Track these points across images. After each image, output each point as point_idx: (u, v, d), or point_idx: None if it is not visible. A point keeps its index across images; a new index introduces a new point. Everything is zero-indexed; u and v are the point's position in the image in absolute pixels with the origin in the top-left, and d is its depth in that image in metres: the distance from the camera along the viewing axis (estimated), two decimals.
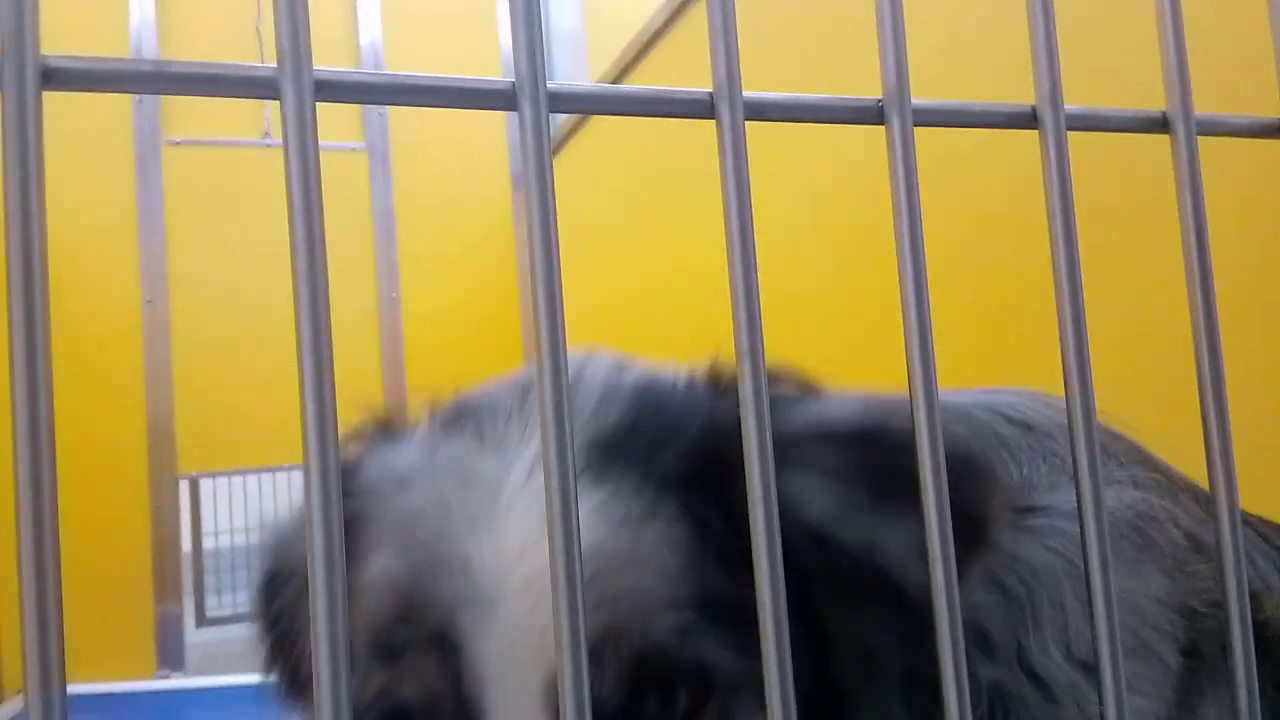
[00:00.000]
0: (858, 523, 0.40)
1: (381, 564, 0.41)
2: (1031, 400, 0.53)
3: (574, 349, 0.48)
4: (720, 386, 0.45)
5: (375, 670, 0.40)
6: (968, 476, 0.40)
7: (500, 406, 0.44)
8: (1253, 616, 0.32)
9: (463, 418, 0.45)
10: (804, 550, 0.39)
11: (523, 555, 0.38)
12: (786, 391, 0.44)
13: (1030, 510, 0.47)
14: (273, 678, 0.51)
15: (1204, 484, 0.34)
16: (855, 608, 0.40)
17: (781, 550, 0.38)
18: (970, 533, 0.39)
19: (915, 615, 0.38)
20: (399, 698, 0.39)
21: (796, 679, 0.40)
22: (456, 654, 0.38)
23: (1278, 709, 0.44)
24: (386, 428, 0.49)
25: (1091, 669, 0.44)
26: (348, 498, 0.44)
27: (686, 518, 0.40)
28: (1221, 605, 0.47)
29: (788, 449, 0.40)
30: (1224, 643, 0.47)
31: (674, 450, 0.41)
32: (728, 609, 0.38)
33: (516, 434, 0.42)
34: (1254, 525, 0.52)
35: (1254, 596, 0.35)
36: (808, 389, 0.45)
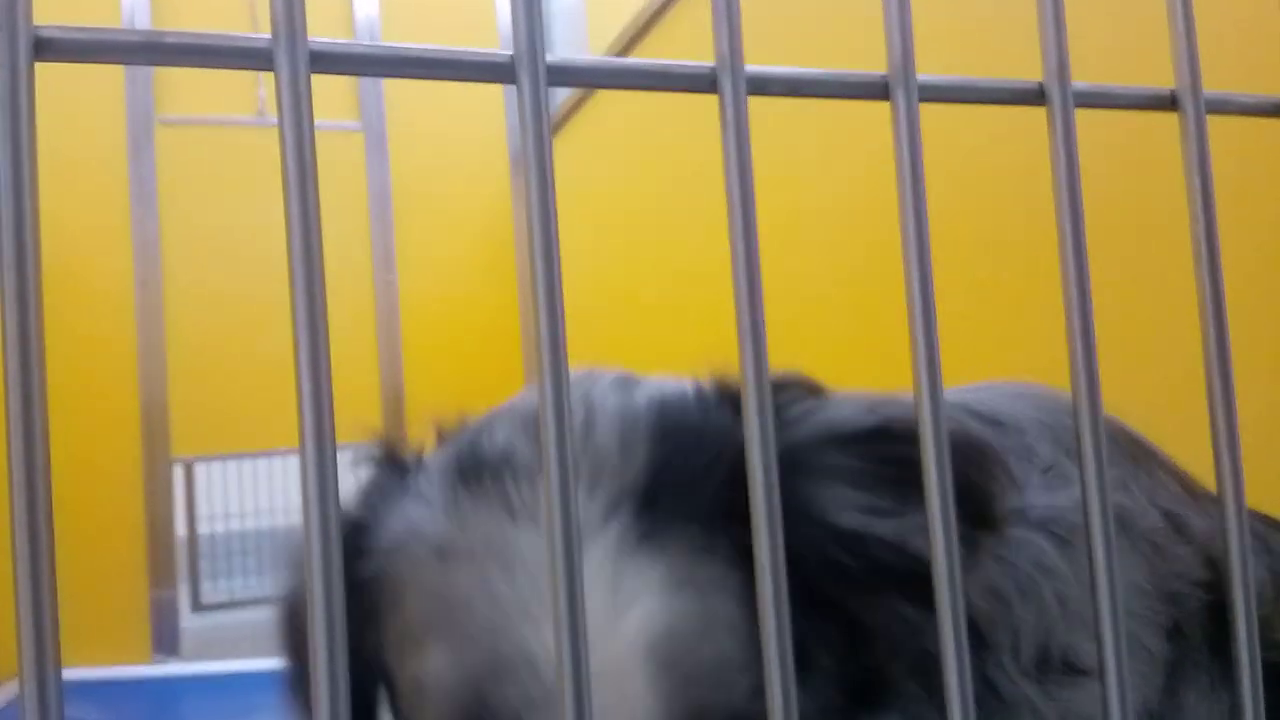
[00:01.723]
0: (888, 517, 0.40)
1: (438, 662, 0.39)
2: (1004, 395, 0.53)
3: (574, 370, 0.47)
4: (734, 400, 0.44)
5: None
6: (972, 458, 0.41)
7: (519, 461, 0.42)
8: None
9: (482, 473, 0.42)
10: (841, 553, 0.39)
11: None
12: (794, 397, 0.44)
13: None
14: (295, 698, 0.49)
15: (1208, 475, 0.34)
16: (899, 597, 0.40)
17: (828, 556, 0.39)
18: (979, 513, 0.40)
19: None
20: None
21: (840, 676, 0.40)
22: None
23: (1272, 708, 0.44)
24: (395, 463, 0.47)
25: (1045, 671, 0.44)
26: (366, 555, 0.43)
27: (736, 560, 0.39)
28: (1201, 584, 0.48)
29: (803, 457, 0.40)
30: (1204, 622, 0.47)
31: (711, 488, 0.40)
32: (796, 652, 0.37)
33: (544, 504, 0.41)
34: (1253, 527, 0.53)
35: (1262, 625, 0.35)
36: (814, 393, 0.45)
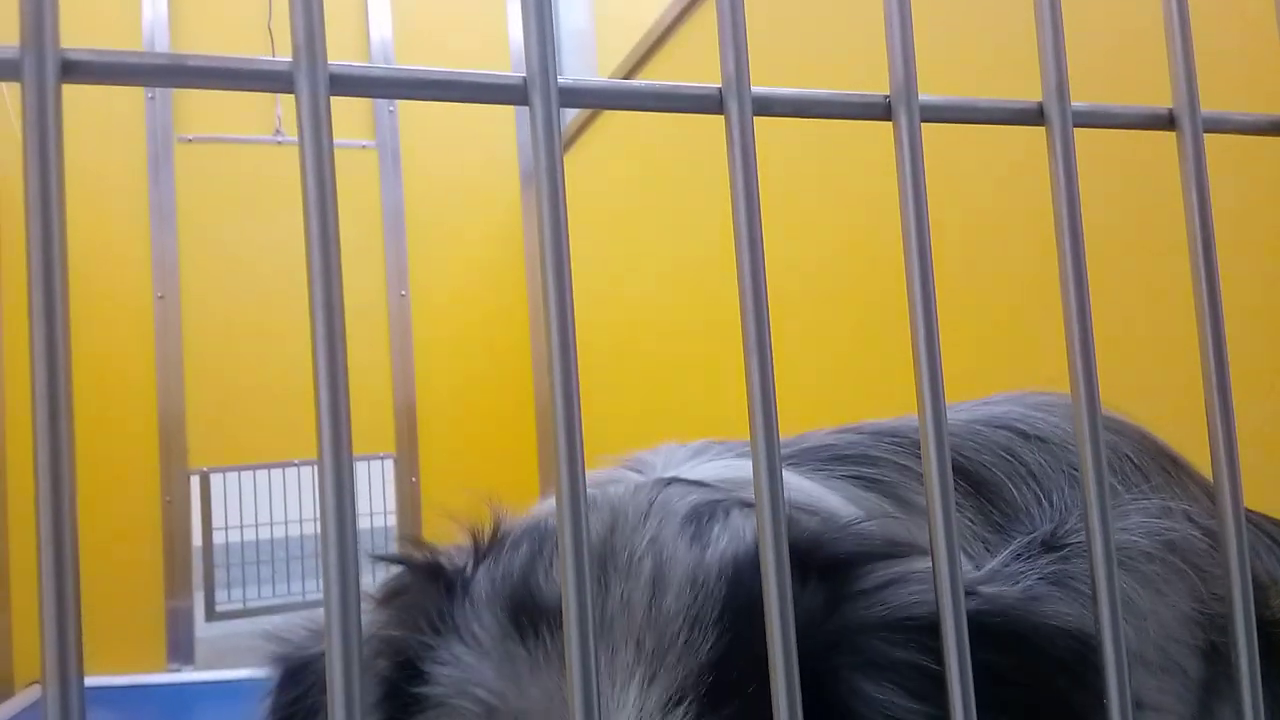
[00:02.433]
0: None
1: None
2: (1037, 408, 0.52)
3: (639, 480, 0.44)
4: (804, 564, 0.39)
5: None
6: (1081, 671, 0.36)
7: None
8: (1257, 612, 0.32)
9: (537, 620, 0.39)
10: None
11: None
12: (873, 557, 0.39)
13: (1057, 550, 0.44)
14: None
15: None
16: None
17: None
18: None
19: None
20: None
21: None
22: None
23: None
24: (433, 575, 0.43)
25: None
26: (416, 705, 0.40)
27: None
28: None
29: (858, 639, 0.36)
30: None
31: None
32: None
33: (605, 665, 0.38)
34: (1257, 522, 0.52)
35: (1259, 590, 0.35)
36: (889, 553, 0.40)
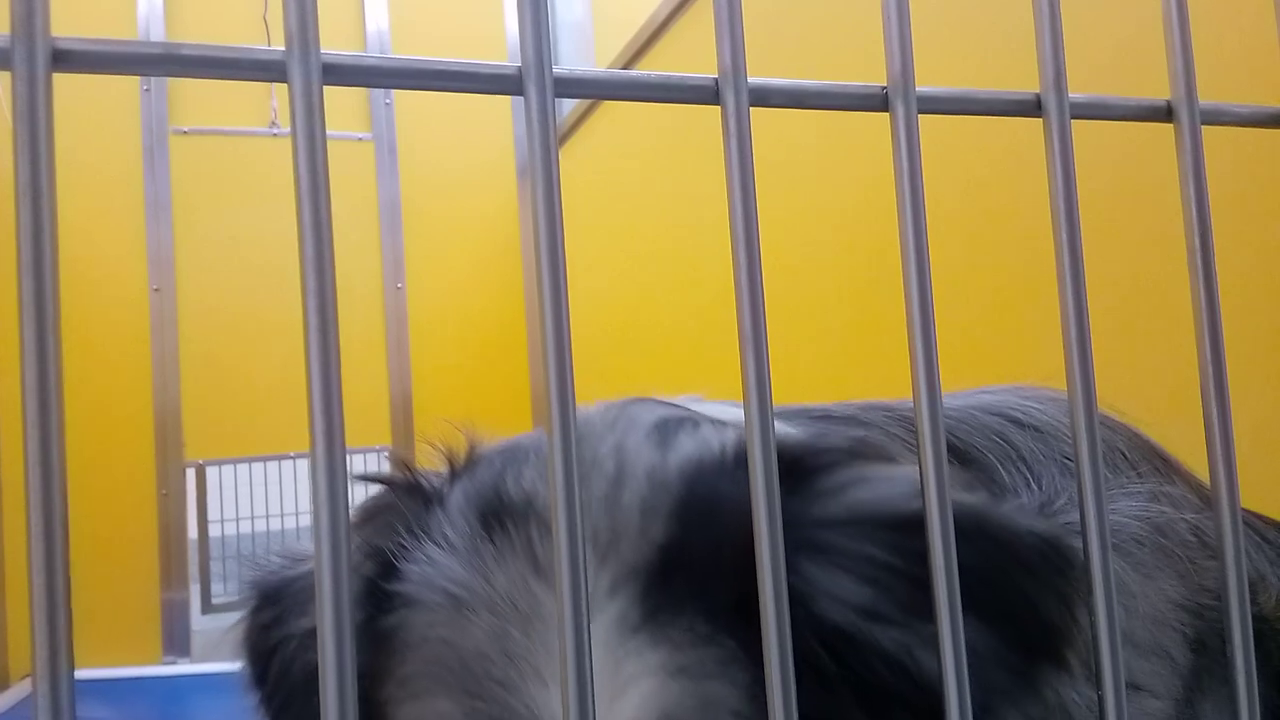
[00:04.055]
0: (894, 623, 0.36)
1: (447, 711, 0.39)
2: (1033, 399, 0.53)
3: (610, 409, 0.45)
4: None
5: None
6: (1047, 574, 0.37)
7: (542, 509, 0.41)
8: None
9: (504, 518, 0.41)
10: (830, 653, 0.36)
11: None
12: (837, 461, 0.40)
13: None
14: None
15: (1205, 477, 0.34)
16: (883, 699, 0.36)
17: (807, 654, 0.34)
18: (1042, 643, 0.36)
19: None
20: None
21: None
22: None
23: (1273, 703, 0.44)
24: (412, 489, 0.45)
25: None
26: (388, 602, 0.42)
27: (740, 652, 0.37)
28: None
29: (818, 534, 0.37)
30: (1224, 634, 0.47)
31: (724, 575, 0.38)
32: None
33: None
34: (1250, 522, 0.52)
35: (1250, 589, 0.35)
36: (868, 459, 0.41)
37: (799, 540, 0.36)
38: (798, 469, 0.39)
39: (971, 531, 0.34)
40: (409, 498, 0.45)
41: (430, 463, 0.47)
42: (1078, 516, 0.46)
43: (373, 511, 0.46)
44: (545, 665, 0.38)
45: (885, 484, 0.39)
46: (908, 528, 0.36)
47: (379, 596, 0.42)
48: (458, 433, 0.46)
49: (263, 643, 0.47)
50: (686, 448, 0.42)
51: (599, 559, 0.39)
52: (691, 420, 0.44)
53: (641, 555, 0.39)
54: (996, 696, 0.35)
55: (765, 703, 0.34)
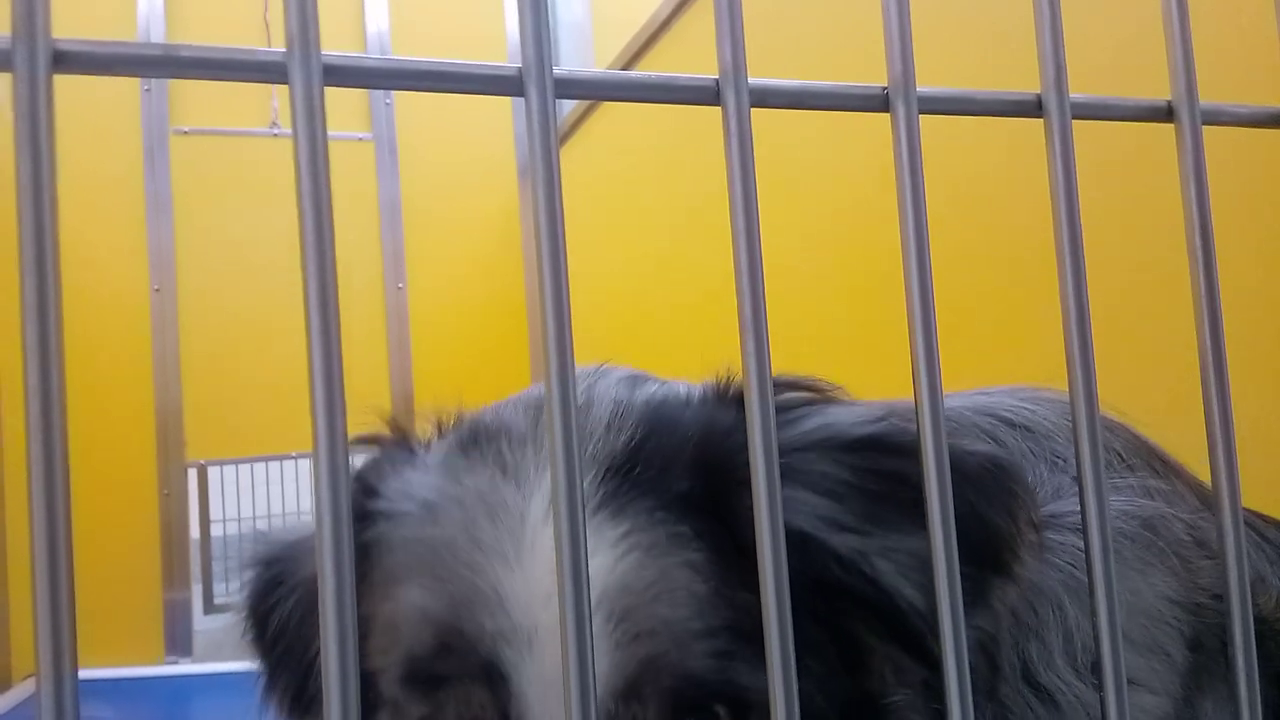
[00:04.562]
0: (850, 532, 0.39)
1: (415, 596, 0.41)
2: (1027, 400, 0.53)
3: (587, 365, 0.48)
4: (722, 394, 0.45)
5: (414, 701, 0.40)
6: (985, 486, 0.40)
7: (515, 431, 0.44)
8: None
9: (479, 440, 0.45)
10: (791, 555, 0.38)
11: (552, 592, 0.38)
12: (794, 398, 0.44)
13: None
14: (271, 694, 0.50)
15: (1204, 477, 0.34)
16: (857, 623, 0.39)
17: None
18: (987, 553, 0.38)
19: (910, 634, 0.38)
20: None
21: (828, 686, 0.39)
22: (503, 685, 0.39)
23: (1273, 703, 0.44)
24: (401, 442, 0.49)
25: (1099, 678, 0.44)
26: (368, 520, 0.44)
27: (703, 537, 0.40)
28: (1221, 597, 0.48)
29: (786, 458, 0.39)
30: (1224, 635, 0.47)
31: (682, 468, 0.41)
32: (755, 628, 0.38)
33: (533, 464, 0.42)
34: (1250, 521, 0.53)
35: (1249, 589, 0.35)
36: (818, 395, 0.44)
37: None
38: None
39: (917, 447, 0.37)
40: (396, 446, 0.48)
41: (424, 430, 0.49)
42: (1063, 508, 0.47)
43: (365, 465, 0.49)
44: (510, 550, 0.40)
45: (841, 413, 0.43)
46: (861, 449, 0.40)
47: (359, 516, 0.45)
48: (449, 405, 0.50)
49: (263, 603, 0.50)
50: (652, 389, 0.47)
51: None
52: (660, 380, 0.48)
53: (604, 451, 0.42)
54: None
55: (716, 583, 0.39)
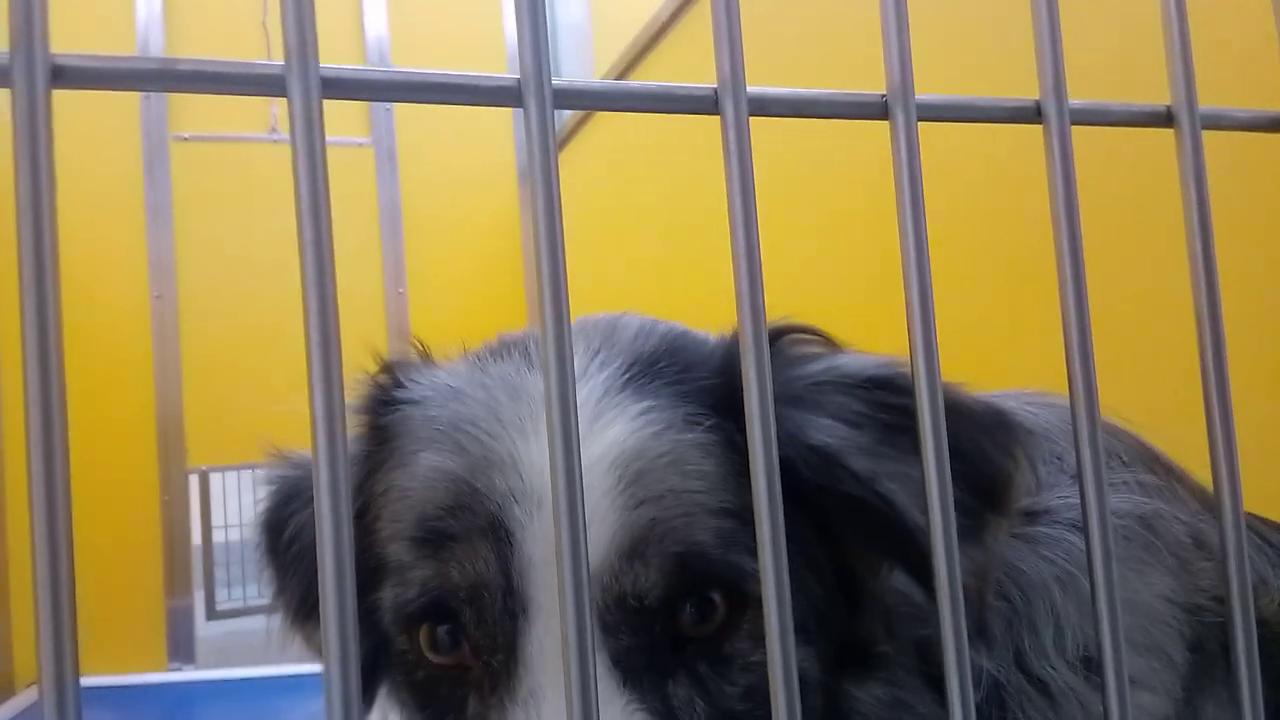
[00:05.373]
0: (865, 455, 0.41)
1: (434, 459, 0.43)
2: (1032, 405, 0.54)
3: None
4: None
5: (420, 563, 0.42)
6: (991, 429, 0.42)
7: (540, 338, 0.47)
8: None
9: (507, 346, 0.48)
10: (809, 466, 0.40)
11: None
12: (805, 343, 0.46)
13: (1029, 516, 0.47)
14: (279, 603, 0.53)
15: (1206, 481, 0.34)
16: (860, 533, 0.41)
17: (791, 466, 0.39)
18: (988, 488, 0.40)
19: (916, 553, 0.40)
20: (447, 583, 0.41)
21: (823, 618, 0.41)
22: (508, 543, 0.40)
23: (1275, 705, 0.44)
24: (427, 358, 0.53)
25: (1091, 670, 0.44)
26: (392, 406, 0.48)
27: (719, 431, 0.42)
28: (1222, 600, 0.48)
29: (801, 394, 0.42)
30: (1223, 636, 0.47)
31: (702, 372, 0.44)
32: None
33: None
34: (1251, 524, 0.52)
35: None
36: (828, 345, 0.47)
37: (788, 395, 0.41)
38: (783, 354, 0.45)
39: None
40: (423, 358, 0.52)
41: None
42: (1058, 502, 0.47)
43: (390, 362, 0.52)
44: (529, 423, 0.42)
45: (856, 358, 0.46)
46: (873, 386, 0.43)
47: (383, 402, 0.48)
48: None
49: (277, 516, 0.53)
50: (674, 327, 0.49)
51: (590, 353, 0.45)
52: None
53: (631, 351, 0.45)
54: None
55: (727, 469, 0.41)
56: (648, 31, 1.97)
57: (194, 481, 2.51)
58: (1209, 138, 0.31)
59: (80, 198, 2.40)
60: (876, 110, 0.29)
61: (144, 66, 0.25)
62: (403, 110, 2.76)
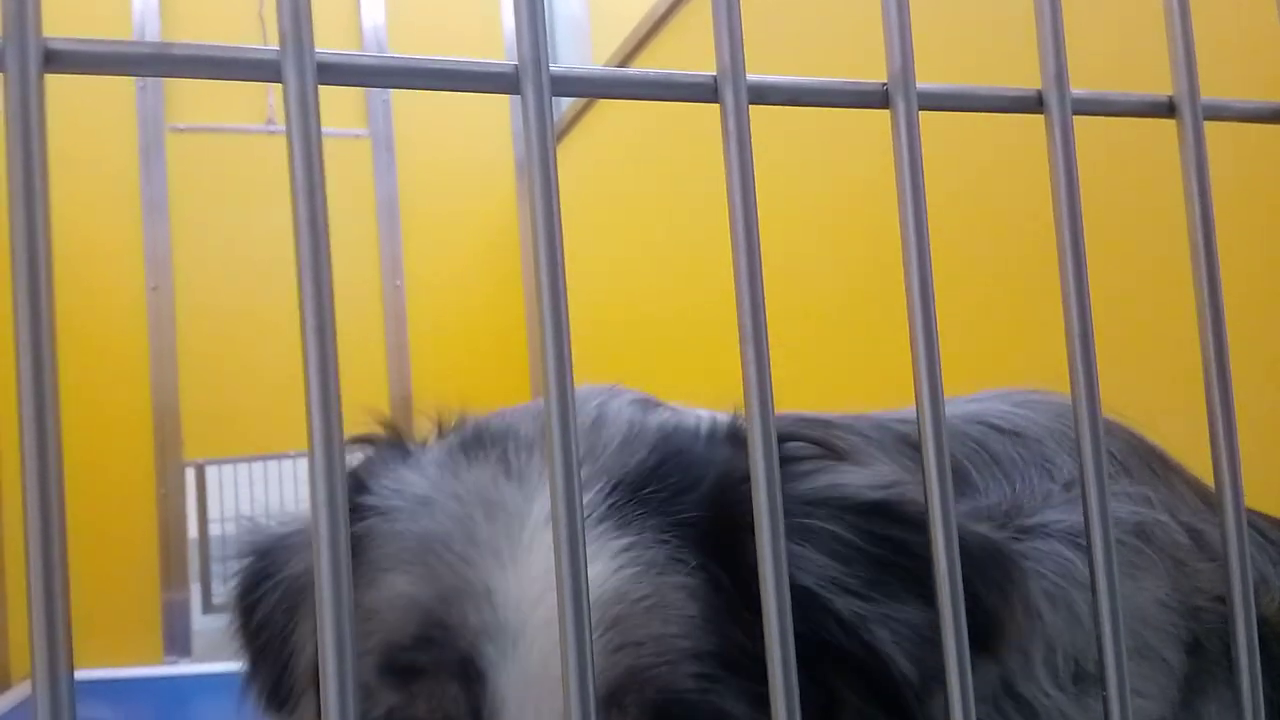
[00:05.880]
0: (853, 595, 0.39)
1: (402, 584, 0.41)
2: (1018, 405, 0.53)
3: (597, 385, 0.48)
4: (735, 433, 0.45)
5: (387, 689, 0.40)
6: (985, 568, 0.40)
7: (521, 434, 0.44)
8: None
9: (483, 441, 0.44)
10: (795, 610, 0.38)
11: (544, 594, 0.38)
12: (805, 452, 0.43)
13: (1021, 532, 0.46)
14: (252, 687, 0.50)
15: (1207, 477, 0.34)
16: (841, 679, 0.39)
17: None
18: (977, 633, 0.38)
19: (898, 704, 0.38)
20: (415, 715, 0.39)
21: None
22: (479, 682, 0.38)
23: (1277, 705, 0.44)
24: (396, 442, 0.48)
25: (1079, 687, 0.44)
26: (358, 514, 0.44)
27: (704, 569, 0.40)
28: (1222, 599, 0.47)
29: (795, 513, 0.40)
30: (1224, 637, 0.47)
31: (691, 499, 0.41)
32: (745, 662, 0.38)
33: (538, 469, 0.42)
34: (1252, 522, 0.52)
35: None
36: (829, 451, 0.44)
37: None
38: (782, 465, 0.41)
39: (917, 517, 0.38)
40: (391, 446, 0.48)
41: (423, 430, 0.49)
42: (1051, 517, 0.46)
43: (359, 463, 0.49)
44: (506, 548, 0.40)
45: (851, 475, 0.42)
46: (871, 513, 0.40)
47: (350, 507, 0.43)
48: (450, 406, 0.49)
49: (250, 595, 0.50)
50: (665, 415, 0.46)
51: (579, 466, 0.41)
52: (670, 407, 0.48)
53: (615, 465, 0.42)
54: (934, 678, 0.37)
55: (709, 611, 0.39)
56: (645, 24, 1.96)
57: (190, 474, 2.51)
58: (1211, 129, 0.31)
59: (75, 188, 2.39)
60: (877, 99, 0.29)
61: (139, 51, 0.25)
62: (400, 102, 2.75)
